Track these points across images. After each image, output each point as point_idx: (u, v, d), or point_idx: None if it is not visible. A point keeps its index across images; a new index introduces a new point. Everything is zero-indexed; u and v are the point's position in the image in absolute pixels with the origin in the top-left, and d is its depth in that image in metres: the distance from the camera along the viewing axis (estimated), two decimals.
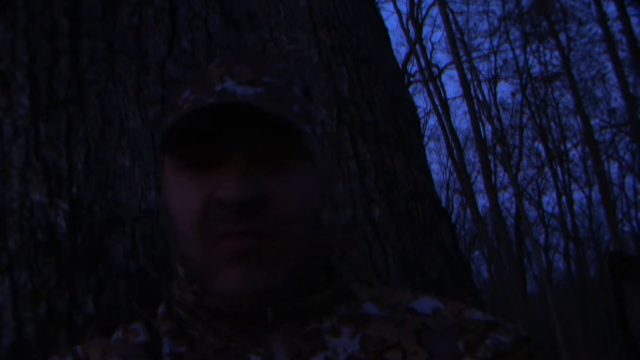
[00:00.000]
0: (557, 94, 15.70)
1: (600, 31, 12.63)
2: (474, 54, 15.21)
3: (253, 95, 0.60)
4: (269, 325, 0.61)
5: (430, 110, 15.18)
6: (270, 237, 0.58)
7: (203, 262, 0.59)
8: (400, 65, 2.08)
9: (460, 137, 14.92)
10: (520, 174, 16.27)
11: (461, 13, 16.02)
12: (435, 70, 14.40)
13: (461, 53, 13.22)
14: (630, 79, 12.59)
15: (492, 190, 12.49)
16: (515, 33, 15.15)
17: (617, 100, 15.85)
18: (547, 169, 16.58)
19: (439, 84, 14.14)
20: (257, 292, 0.58)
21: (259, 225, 0.57)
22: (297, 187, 0.60)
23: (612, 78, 14.20)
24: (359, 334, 0.61)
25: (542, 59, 15.52)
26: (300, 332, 0.61)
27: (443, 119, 13.01)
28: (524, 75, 15.32)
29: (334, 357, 0.59)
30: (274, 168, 0.59)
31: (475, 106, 12.88)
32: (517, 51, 15.34)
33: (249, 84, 0.61)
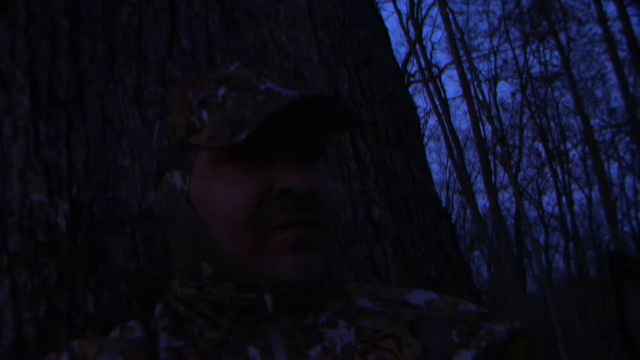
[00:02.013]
0: (557, 94, 15.71)
1: (600, 31, 12.64)
2: (474, 54, 15.22)
3: (294, 95, 0.63)
4: (268, 318, 0.61)
5: (430, 110, 15.19)
6: (321, 228, 0.61)
7: (252, 254, 0.60)
8: (400, 65, 2.08)
9: (460, 137, 14.92)
10: (520, 174, 16.27)
11: (461, 13, 16.01)
12: (435, 70, 14.42)
13: (461, 53, 13.23)
14: (630, 79, 12.60)
15: (492, 190, 12.49)
16: (515, 33, 15.16)
17: (617, 100, 15.87)
18: (547, 169, 16.59)
19: (439, 84, 14.15)
20: (315, 279, 0.60)
21: (314, 216, 0.60)
22: (329, 184, 0.64)
23: (612, 78, 14.20)
24: (354, 327, 0.62)
25: (542, 59, 15.53)
26: (298, 326, 0.62)
27: (443, 119, 13.01)
28: (524, 75, 15.32)
29: (331, 346, 0.60)
30: (313, 164, 0.63)
31: (475, 106, 12.88)
32: (517, 51, 15.36)
33: (285, 87, 0.64)
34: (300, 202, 0.59)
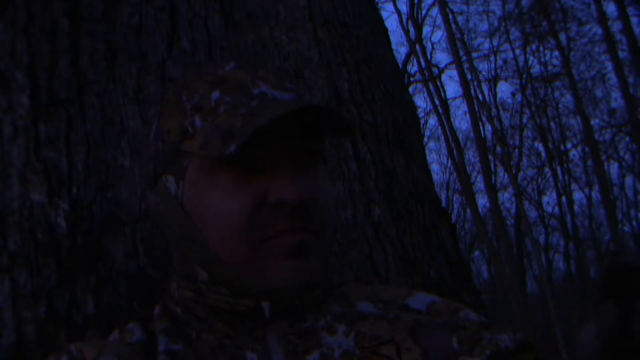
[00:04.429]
0: (557, 94, 15.71)
1: (600, 31, 12.63)
2: (474, 54, 15.22)
3: (290, 99, 0.62)
4: (265, 322, 0.61)
5: (430, 110, 15.20)
6: (315, 234, 0.60)
7: (247, 261, 0.59)
8: (400, 65, 2.08)
9: (460, 137, 14.91)
10: (520, 174, 16.28)
11: (461, 13, 16.01)
12: (435, 70, 14.42)
13: (461, 53, 13.22)
14: (630, 79, 12.60)
15: (492, 190, 12.49)
16: (515, 33, 15.16)
17: (617, 100, 15.86)
18: (547, 169, 16.59)
19: (439, 84, 14.15)
20: (307, 285, 0.60)
21: (310, 224, 0.60)
22: (326, 189, 0.63)
23: (612, 78, 14.20)
24: (353, 332, 0.62)
25: (542, 59, 15.53)
26: (295, 330, 0.61)
27: (443, 119, 13.00)
28: (524, 75, 15.32)
29: (330, 353, 0.59)
30: (309, 171, 0.61)
31: (475, 106, 12.87)
32: (517, 51, 15.36)
33: (280, 89, 0.62)
34: (295, 213, 0.58)
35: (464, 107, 14.75)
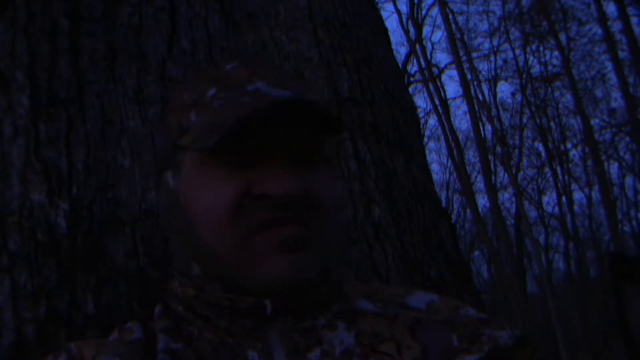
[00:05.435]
0: (557, 94, 15.71)
1: (600, 31, 12.64)
2: (474, 54, 15.21)
3: (286, 96, 0.62)
4: (267, 320, 0.61)
5: (430, 110, 15.21)
6: (312, 229, 0.60)
7: (235, 255, 0.59)
8: (400, 65, 2.08)
9: (460, 137, 14.91)
10: (520, 174, 16.28)
11: (461, 13, 16.03)
12: (435, 70, 14.42)
13: (461, 53, 13.22)
14: (630, 79, 12.60)
15: (492, 190, 12.49)
16: (515, 33, 15.16)
17: (617, 100, 15.87)
18: (547, 169, 16.59)
19: (439, 84, 14.15)
20: (300, 281, 0.59)
21: (304, 215, 0.60)
22: (328, 186, 0.63)
23: (612, 78, 14.21)
24: (354, 330, 0.62)
25: (542, 59, 15.53)
26: (297, 328, 0.61)
27: (443, 119, 13.00)
28: (524, 75, 15.32)
29: (330, 349, 0.60)
30: (307, 168, 0.62)
31: (475, 106, 12.87)
32: (517, 51, 15.36)
33: (278, 86, 0.62)
34: (282, 205, 0.58)
35: (464, 107, 14.76)
